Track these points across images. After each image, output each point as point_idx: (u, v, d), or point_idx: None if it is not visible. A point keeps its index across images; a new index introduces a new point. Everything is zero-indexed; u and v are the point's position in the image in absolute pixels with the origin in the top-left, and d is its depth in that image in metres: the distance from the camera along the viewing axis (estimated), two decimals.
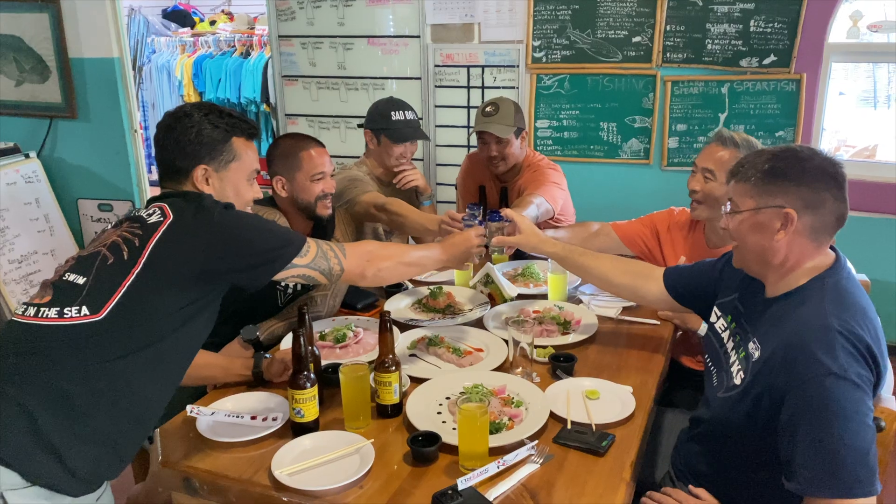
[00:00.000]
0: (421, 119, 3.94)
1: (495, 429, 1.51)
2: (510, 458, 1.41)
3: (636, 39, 3.57)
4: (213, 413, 1.60)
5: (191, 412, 1.59)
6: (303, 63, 4.10)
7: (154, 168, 7.06)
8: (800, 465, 1.28)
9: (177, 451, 1.51)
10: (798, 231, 1.39)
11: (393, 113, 2.68)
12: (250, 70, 6.03)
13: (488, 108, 2.77)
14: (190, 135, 1.54)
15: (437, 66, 3.86)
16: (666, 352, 1.96)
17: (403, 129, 2.67)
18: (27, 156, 4.37)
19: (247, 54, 6.18)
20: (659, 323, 2.09)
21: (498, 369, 1.80)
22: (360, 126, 2.82)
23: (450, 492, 1.32)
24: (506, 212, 2.07)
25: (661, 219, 2.40)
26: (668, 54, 3.56)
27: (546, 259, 2.43)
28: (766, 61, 3.43)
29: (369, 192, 2.54)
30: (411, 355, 1.89)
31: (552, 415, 1.58)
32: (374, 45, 3.94)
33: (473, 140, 3.87)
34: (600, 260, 1.98)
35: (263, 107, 6.08)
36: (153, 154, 6.40)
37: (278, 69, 4.17)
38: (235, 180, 1.60)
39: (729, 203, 1.50)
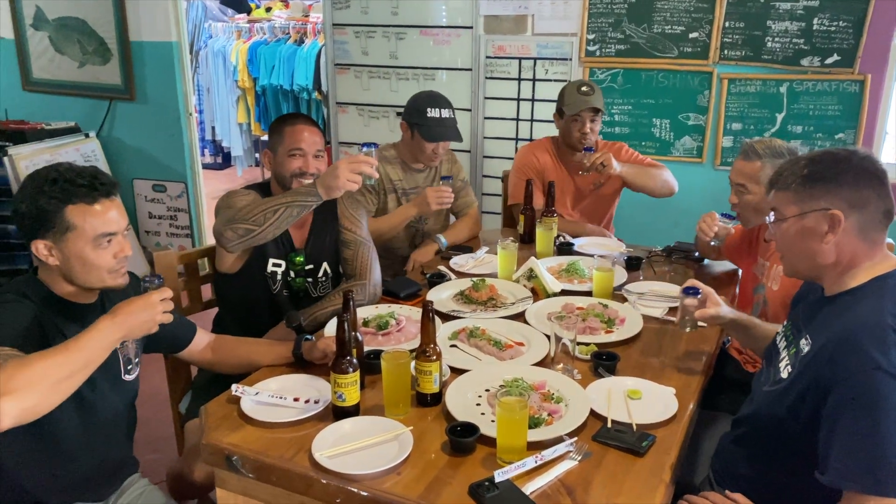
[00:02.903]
0: (464, 111, 3.93)
1: (534, 423, 1.50)
2: (548, 454, 1.41)
3: (693, 35, 3.50)
4: (256, 393, 1.63)
5: (235, 391, 1.63)
6: (355, 52, 4.12)
7: (207, 151, 7.23)
8: (836, 457, 1.26)
9: (220, 429, 1.54)
10: (846, 231, 1.39)
11: (429, 109, 2.67)
12: (304, 57, 6.10)
13: (584, 88, 2.86)
14: (22, 208, 1.48)
15: (488, 57, 3.84)
16: (711, 355, 1.92)
17: (435, 129, 2.67)
18: (87, 135, 4.51)
19: (301, 41, 6.25)
20: (706, 325, 2.05)
21: (539, 364, 1.79)
22: (398, 115, 2.84)
23: (486, 483, 1.32)
24: (700, 285, 1.84)
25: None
26: (725, 51, 3.47)
27: (592, 255, 2.41)
28: (829, 61, 3.32)
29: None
30: (452, 346, 1.89)
31: (592, 413, 1.57)
32: (426, 36, 3.95)
33: (522, 132, 3.87)
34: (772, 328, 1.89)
35: (315, 94, 6.15)
36: (206, 138, 6.51)
37: (331, 57, 4.20)
38: (77, 251, 1.48)
39: (773, 213, 1.50)
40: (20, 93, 4.75)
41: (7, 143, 4.13)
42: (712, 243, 2.39)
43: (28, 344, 1.37)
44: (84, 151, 4.45)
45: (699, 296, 1.80)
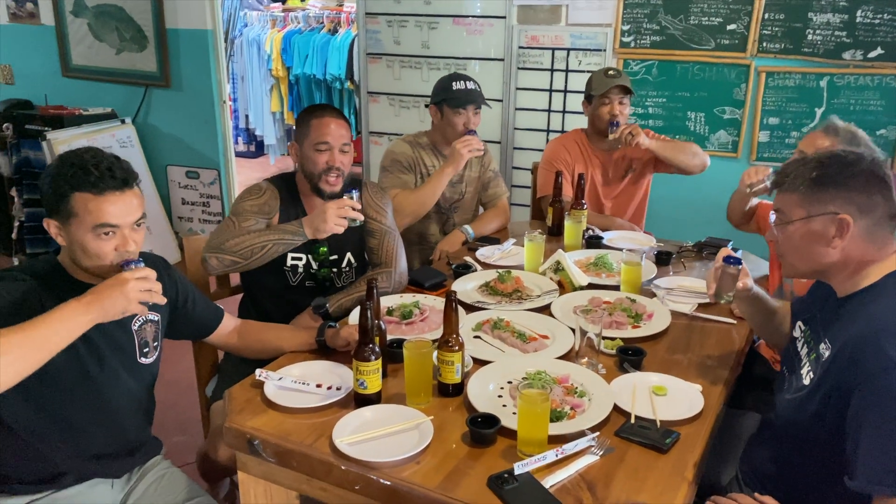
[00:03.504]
0: (496, 101, 3.90)
1: (556, 417, 1.49)
2: (569, 448, 1.39)
3: (731, 27, 3.42)
4: (280, 378, 1.64)
5: (259, 376, 1.64)
6: (387, 41, 4.12)
7: (240, 139, 7.30)
8: (863, 461, 1.24)
9: (243, 413, 1.55)
10: (854, 236, 1.38)
11: (454, 84, 2.71)
12: (337, 47, 6.12)
13: (611, 72, 2.84)
14: (42, 186, 1.51)
15: (521, 47, 3.81)
16: (740, 352, 1.88)
17: (462, 97, 2.68)
18: (123, 121, 4.58)
19: (334, 31, 6.27)
20: (735, 322, 2.02)
21: (563, 358, 1.77)
22: (426, 106, 2.84)
23: (506, 475, 1.31)
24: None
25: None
26: (764, 44, 3.39)
27: (621, 249, 2.37)
28: (872, 54, 3.22)
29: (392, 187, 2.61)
30: (475, 337, 1.88)
31: (616, 408, 1.55)
32: (458, 25, 3.92)
33: (554, 124, 3.84)
34: (782, 306, 1.85)
35: (348, 84, 6.16)
36: (240, 126, 6.59)
37: (363, 46, 4.20)
38: (78, 237, 1.48)
39: (775, 214, 1.48)
40: (60, 79, 4.84)
41: (46, 128, 4.22)
42: (749, 195, 2.31)
43: (13, 321, 1.33)
44: (120, 137, 4.52)
45: (741, 266, 1.69)
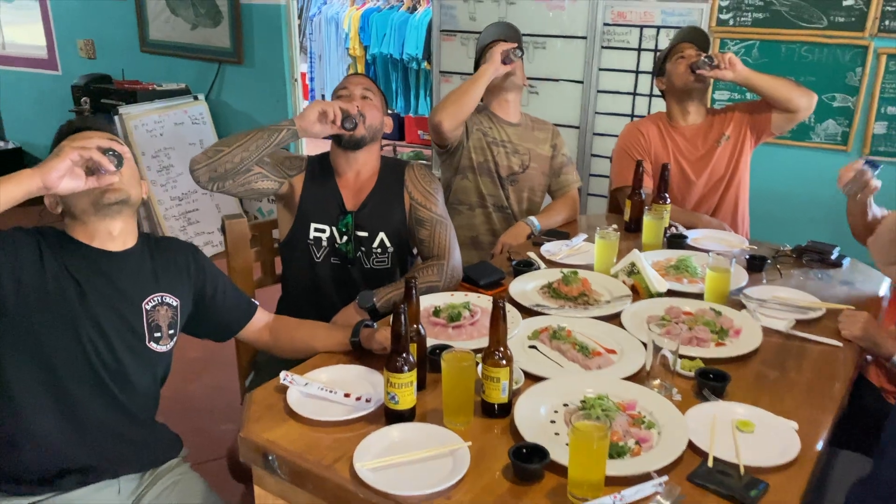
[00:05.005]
0: (575, 83, 3.63)
1: (617, 452, 1.25)
2: (630, 494, 1.16)
3: (848, 2, 3.03)
4: (306, 384, 1.47)
5: (283, 379, 1.47)
6: (462, 17, 3.89)
7: None
8: None
9: (262, 421, 1.39)
10: None
11: (485, 41, 2.64)
12: (415, 26, 5.96)
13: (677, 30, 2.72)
14: None
15: (606, 24, 3.51)
16: (848, 380, 1.59)
17: (489, 39, 2.60)
18: (196, 98, 4.55)
19: (413, 9, 6.11)
20: (841, 344, 1.71)
21: (631, 378, 1.52)
22: None
23: None
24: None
25: None
26: (886, 22, 2.98)
27: (707, 251, 2.09)
28: None
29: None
30: (531, 347, 1.65)
31: (690, 445, 1.30)
32: (539, 0, 3.65)
33: (639, 108, 3.53)
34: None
35: (424, 64, 5.99)
36: None
37: (437, 23, 4.00)
38: None
39: None
40: (138, 54, 4.87)
41: (120, 103, 4.23)
42: (850, 196, 2.06)
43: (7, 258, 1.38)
44: (192, 114, 4.49)
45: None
